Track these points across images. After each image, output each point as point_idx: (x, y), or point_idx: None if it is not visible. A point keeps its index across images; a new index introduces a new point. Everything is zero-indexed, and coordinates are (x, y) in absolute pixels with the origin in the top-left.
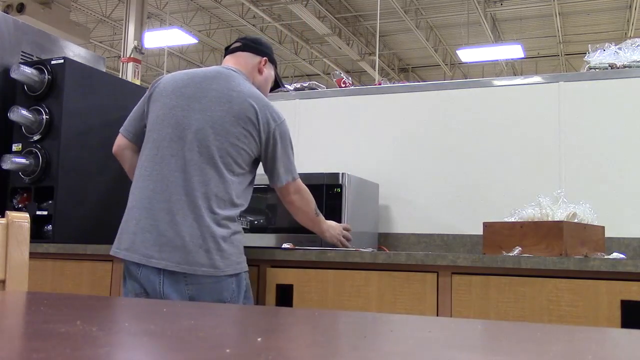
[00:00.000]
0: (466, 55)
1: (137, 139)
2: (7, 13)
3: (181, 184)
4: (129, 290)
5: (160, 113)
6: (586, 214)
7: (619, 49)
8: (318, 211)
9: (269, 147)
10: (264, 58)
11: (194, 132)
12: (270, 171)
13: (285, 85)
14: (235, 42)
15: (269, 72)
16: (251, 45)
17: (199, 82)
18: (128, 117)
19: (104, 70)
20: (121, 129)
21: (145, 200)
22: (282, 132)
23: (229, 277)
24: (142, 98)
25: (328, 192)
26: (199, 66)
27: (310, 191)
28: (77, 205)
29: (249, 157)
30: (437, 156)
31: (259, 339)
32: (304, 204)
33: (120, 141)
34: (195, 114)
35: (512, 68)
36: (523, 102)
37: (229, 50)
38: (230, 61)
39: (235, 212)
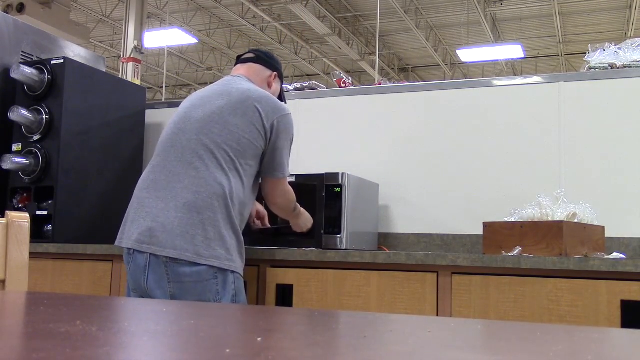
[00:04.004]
0: (466, 55)
1: None
2: (7, 13)
3: (179, 172)
4: (129, 285)
5: (173, 119)
6: (586, 214)
7: (619, 49)
8: (297, 206)
9: (272, 137)
10: (275, 73)
11: (192, 123)
12: (267, 162)
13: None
14: (248, 52)
15: (277, 86)
16: (264, 58)
17: (208, 89)
18: None
19: (104, 70)
20: None
21: (144, 190)
22: (285, 123)
23: (212, 275)
24: None
25: (328, 192)
26: (199, 66)
27: (310, 191)
28: (77, 205)
29: (253, 147)
30: (437, 156)
31: (259, 339)
32: (286, 204)
33: None
34: (197, 109)
35: (512, 68)
36: (523, 102)
37: (240, 60)
38: (241, 70)
39: (233, 206)
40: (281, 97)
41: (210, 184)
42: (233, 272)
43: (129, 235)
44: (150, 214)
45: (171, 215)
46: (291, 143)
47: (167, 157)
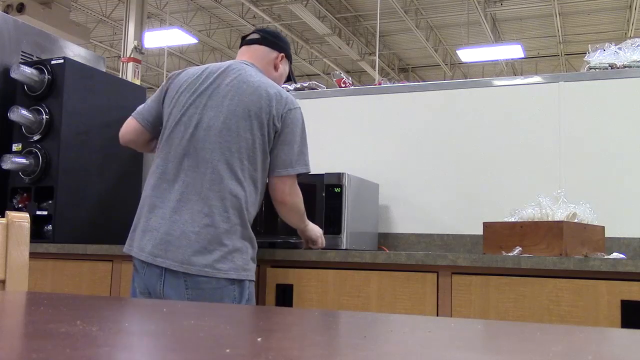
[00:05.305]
0: (466, 55)
1: (152, 128)
2: (7, 13)
3: (192, 183)
4: (136, 287)
5: (175, 111)
6: (586, 214)
7: (619, 49)
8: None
9: (278, 132)
10: (281, 54)
11: (205, 129)
12: (272, 159)
13: (285, 86)
14: (253, 32)
15: (284, 68)
16: (269, 39)
17: (212, 78)
18: (143, 105)
19: (104, 70)
20: (135, 114)
21: (155, 198)
22: (292, 117)
23: (230, 282)
24: (159, 89)
25: (328, 192)
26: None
27: (310, 191)
28: (77, 205)
29: (265, 151)
30: (437, 156)
31: (259, 339)
32: (297, 205)
33: (134, 126)
34: (208, 111)
35: (512, 68)
36: (523, 102)
37: (245, 41)
38: (245, 54)
39: (248, 214)
40: (290, 78)
41: (226, 197)
42: (250, 280)
43: (141, 245)
44: (164, 225)
45: (187, 229)
46: (302, 139)
47: (179, 165)
